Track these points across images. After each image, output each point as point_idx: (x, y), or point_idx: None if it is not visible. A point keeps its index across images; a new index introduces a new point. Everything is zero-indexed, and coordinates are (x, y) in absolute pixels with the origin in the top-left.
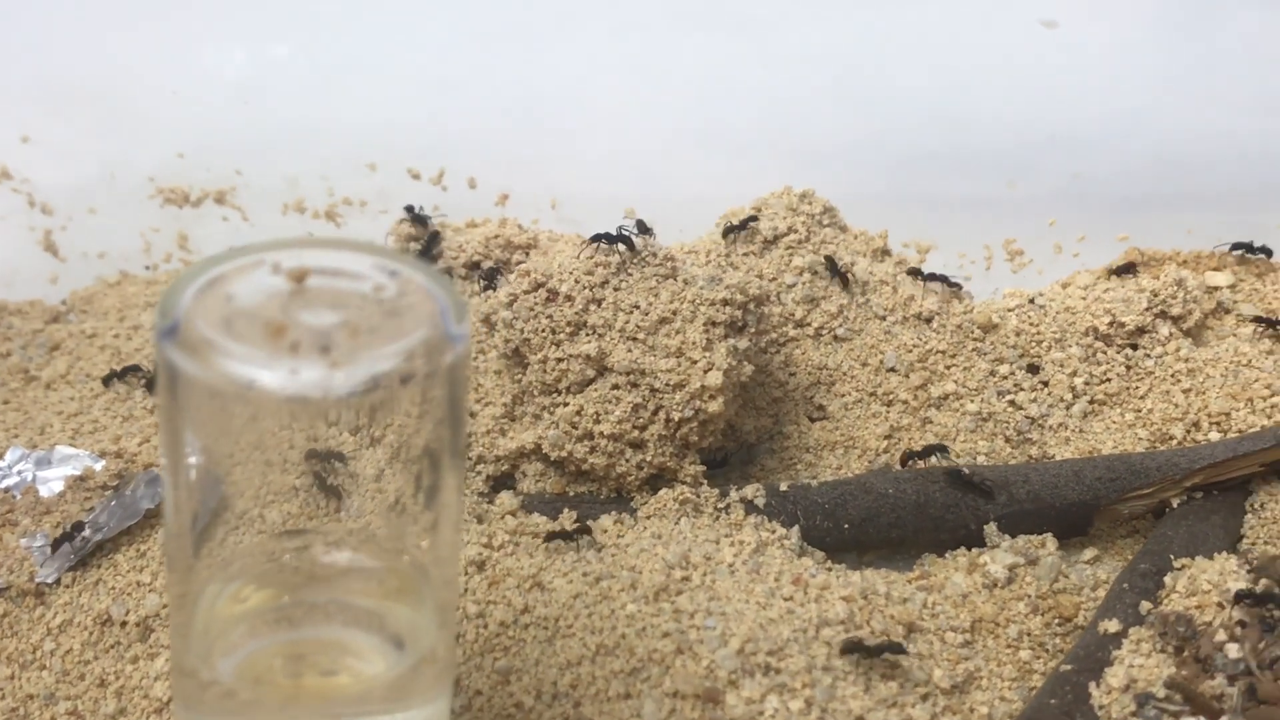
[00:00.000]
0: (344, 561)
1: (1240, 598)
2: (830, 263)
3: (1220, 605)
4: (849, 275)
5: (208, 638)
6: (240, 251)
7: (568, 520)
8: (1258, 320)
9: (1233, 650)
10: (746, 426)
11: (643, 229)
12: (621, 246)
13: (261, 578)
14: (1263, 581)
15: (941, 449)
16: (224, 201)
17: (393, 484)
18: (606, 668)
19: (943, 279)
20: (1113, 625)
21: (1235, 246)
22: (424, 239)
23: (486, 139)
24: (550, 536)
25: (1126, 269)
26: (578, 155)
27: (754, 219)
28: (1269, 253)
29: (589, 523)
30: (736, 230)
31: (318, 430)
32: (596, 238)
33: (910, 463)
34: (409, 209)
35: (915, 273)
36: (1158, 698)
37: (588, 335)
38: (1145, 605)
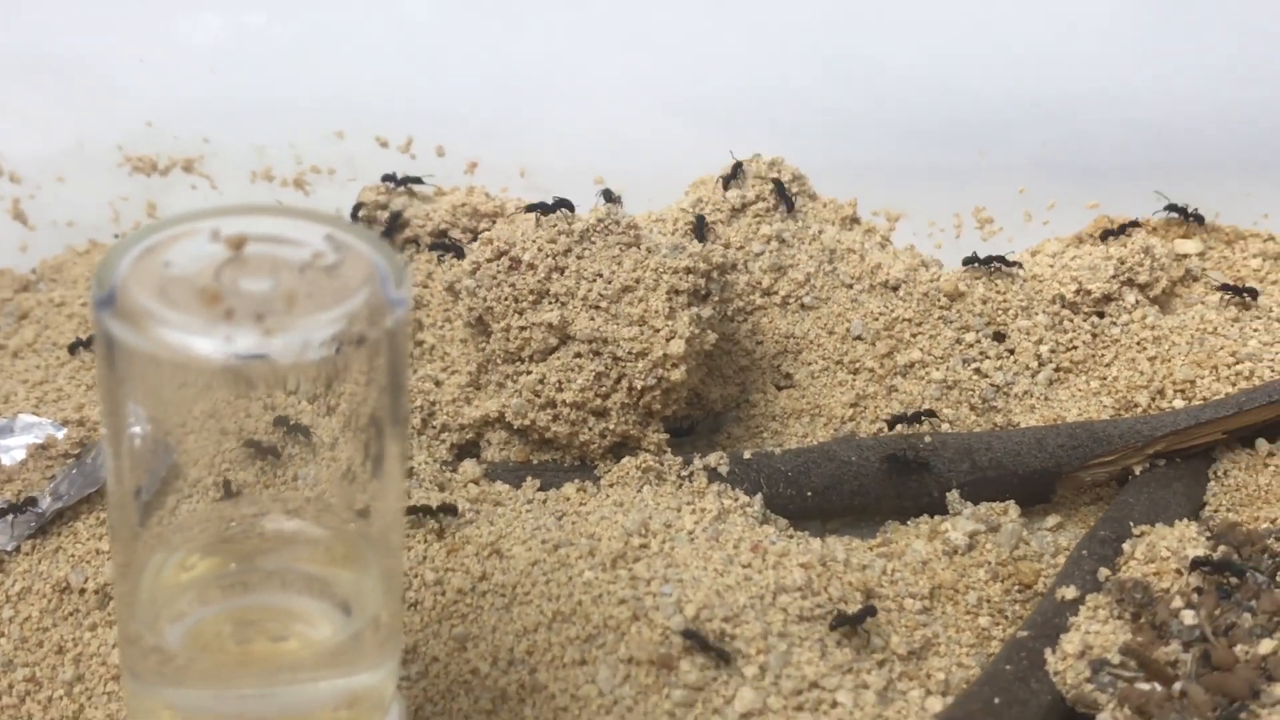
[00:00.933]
0: (291, 529)
1: (1197, 564)
2: (778, 185)
3: (1178, 572)
4: (793, 200)
5: (154, 606)
6: (179, 219)
7: (435, 498)
8: (1224, 288)
9: (1188, 617)
10: (713, 395)
11: (609, 198)
12: (564, 211)
13: (208, 546)
14: (1220, 548)
15: (930, 414)
16: (192, 170)
17: (344, 452)
18: (562, 634)
19: (1000, 260)
20: (1070, 592)
21: (1169, 208)
22: (386, 219)
23: (455, 107)
24: (411, 511)
25: (1117, 231)
26: (547, 124)
27: (740, 166)
28: (1201, 219)
29: (550, 492)
30: (731, 178)
31: (276, 399)
32: (532, 207)
33: (897, 426)
34: (389, 177)
35: (972, 260)
36: (1112, 664)
37: (550, 303)
38: (1104, 572)
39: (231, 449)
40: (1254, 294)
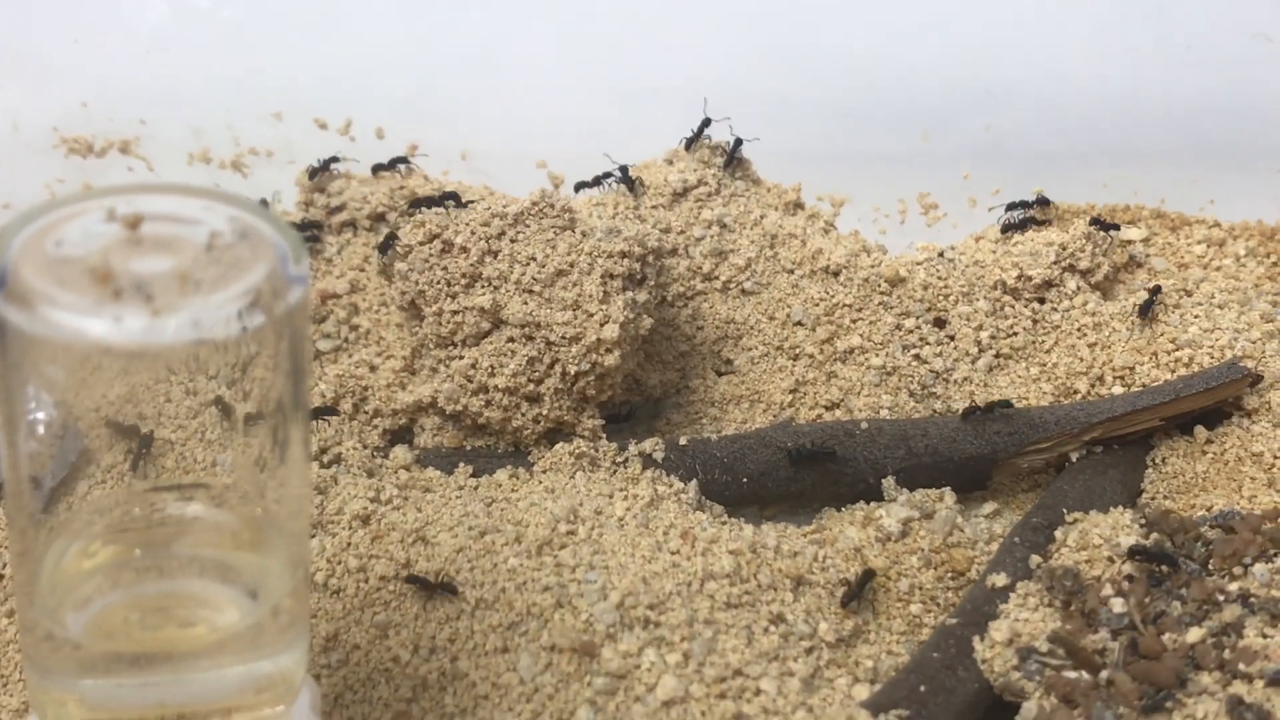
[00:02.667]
0: (195, 514)
1: (1134, 552)
2: (623, 171)
3: (1110, 560)
4: (637, 182)
5: (55, 595)
6: (74, 197)
7: (464, 474)
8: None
9: (1117, 605)
10: (651, 380)
11: (625, 176)
12: (450, 203)
13: (111, 532)
14: (1153, 536)
15: (1005, 404)
16: (129, 152)
17: (248, 436)
18: (485, 622)
19: (1153, 297)
20: (1001, 579)
21: (1093, 222)
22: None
23: (396, 89)
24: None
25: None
26: (490, 106)
27: (709, 122)
28: (1116, 227)
29: (483, 478)
30: (695, 139)
31: (198, 383)
32: (416, 203)
33: (973, 416)
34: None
35: (1146, 309)
36: (1040, 651)
37: (483, 287)
38: (1035, 559)
39: (165, 434)
40: (1157, 290)
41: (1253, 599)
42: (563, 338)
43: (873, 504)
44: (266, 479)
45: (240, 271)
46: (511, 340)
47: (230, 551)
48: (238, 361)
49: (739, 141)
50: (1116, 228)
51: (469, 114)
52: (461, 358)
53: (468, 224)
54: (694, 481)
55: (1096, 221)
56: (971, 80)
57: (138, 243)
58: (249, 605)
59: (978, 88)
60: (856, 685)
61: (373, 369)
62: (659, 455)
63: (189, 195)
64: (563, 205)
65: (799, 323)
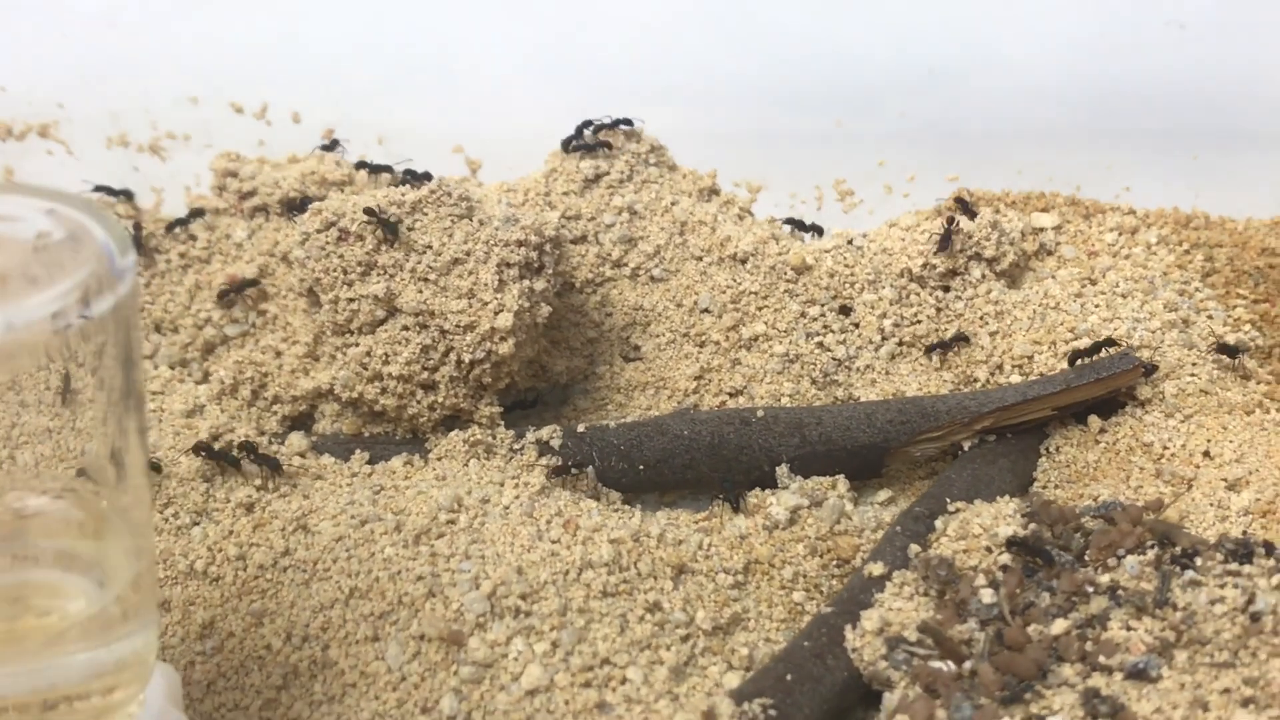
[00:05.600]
0: (42, 507)
1: (1011, 544)
2: (370, 213)
3: (987, 550)
4: (396, 225)
5: None
6: None
7: (359, 461)
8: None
9: (987, 595)
10: (558, 367)
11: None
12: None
13: None
14: (1031, 526)
15: (1110, 342)
16: (48, 135)
17: (89, 427)
18: (358, 611)
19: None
20: (878, 568)
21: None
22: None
23: (313, 73)
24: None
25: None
26: (408, 89)
27: (588, 124)
28: (975, 214)
29: (379, 465)
30: (572, 143)
31: (38, 377)
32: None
33: (1078, 360)
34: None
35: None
36: (909, 641)
37: (378, 275)
38: (914, 548)
39: (43, 423)
40: (964, 339)
41: (1121, 591)
42: (457, 326)
43: (767, 491)
44: (107, 470)
45: (64, 267)
46: (406, 328)
47: (78, 541)
48: (72, 355)
49: (616, 122)
50: (975, 214)
51: (387, 97)
52: (357, 345)
53: (364, 212)
54: (590, 469)
55: (961, 202)
56: (889, 65)
57: None
58: (96, 594)
59: (893, 71)
60: (729, 673)
61: (278, 354)
62: (556, 442)
63: (9, 192)
64: (460, 194)
65: (706, 310)
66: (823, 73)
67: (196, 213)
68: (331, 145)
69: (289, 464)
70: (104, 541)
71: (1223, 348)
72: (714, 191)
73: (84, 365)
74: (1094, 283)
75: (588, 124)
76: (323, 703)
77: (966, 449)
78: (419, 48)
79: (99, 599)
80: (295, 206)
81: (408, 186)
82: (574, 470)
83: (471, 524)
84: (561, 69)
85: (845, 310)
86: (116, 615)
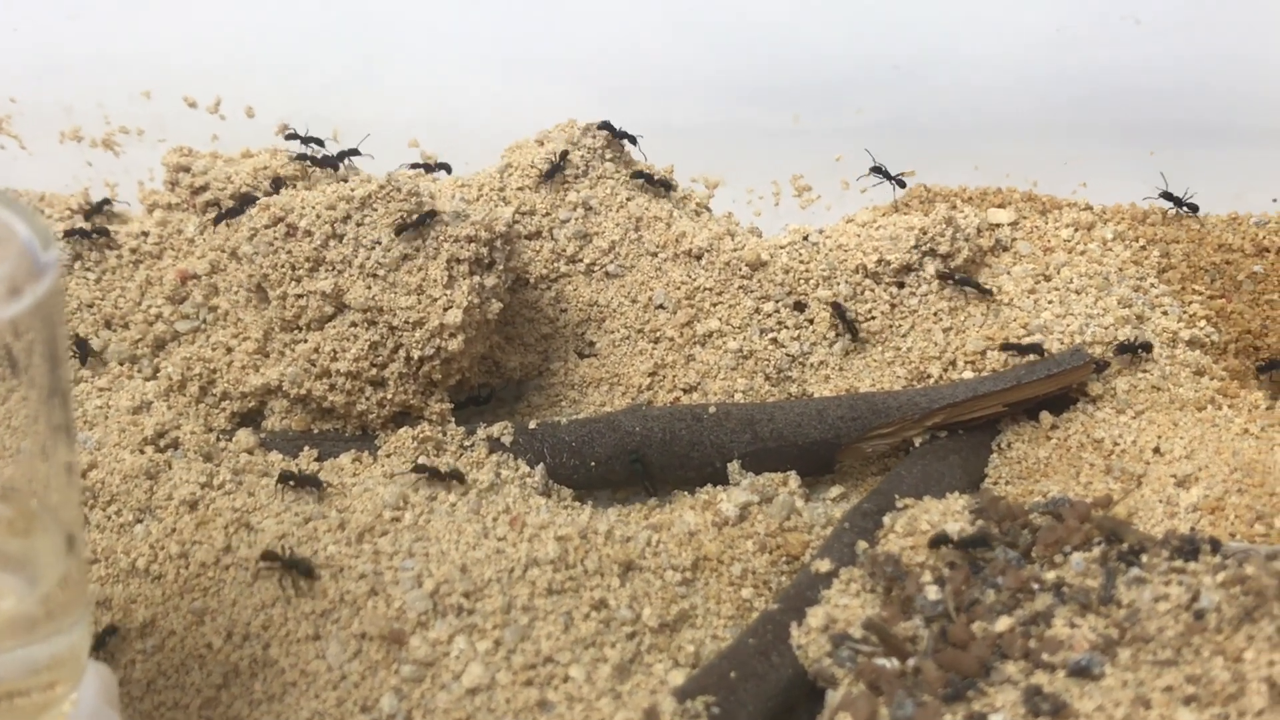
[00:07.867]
0: None
1: (936, 542)
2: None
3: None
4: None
5: None
6: None
7: (308, 458)
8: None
9: (933, 592)
10: (512, 363)
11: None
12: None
13: None
14: (978, 523)
15: (1038, 349)
16: (1, 130)
17: (20, 426)
18: (299, 609)
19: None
20: (825, 565)
21: (874, 170)
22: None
23: (267, 66)
24: (285, 477)
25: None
26: (363, 83)
27: (567, 154)
28: (903, 184)
29: (326, 462)
30: (550, 176)
31: None
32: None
33: (1009, 354)
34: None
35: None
36: (854, 638)
37: (326, 271)
38: (861, 545)
39: None
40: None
41: (1065, 588)
42: (406, 322)
43: (719, 488)
44: (37, 468)
45: None
46: (354, 325)
47: (7, 539)
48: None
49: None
50: (903, 184)
51: (343, 91)
52: (305, 341)
53: (313, 207)
54: (541, 465)
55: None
56: (848, 61)
57: None
58: (25, 589)
59: (851, 67)
60: (675, 670)
61: (229, 350)
62: (507, 439)
63: None
64: (410, 189)
65: (660, 306)
66: (781, 69)
67: (99, 206)
68: (293, 137)
69: (234, 461)
70: (32, 539)
71: (1123, 347)
72: (670, 186)
73: (11, 360)
74: (1048, 279)
75: (565, 154)
76: (263, 701)
77: (918, 445)
78: (375, 43)
79: (27, 595)
80: (233, 211)
81: (358, 180)
82: (445, 476)
83: (417, 521)
84: (519, 63)
85: (800, 306)
86: (44, 613)
